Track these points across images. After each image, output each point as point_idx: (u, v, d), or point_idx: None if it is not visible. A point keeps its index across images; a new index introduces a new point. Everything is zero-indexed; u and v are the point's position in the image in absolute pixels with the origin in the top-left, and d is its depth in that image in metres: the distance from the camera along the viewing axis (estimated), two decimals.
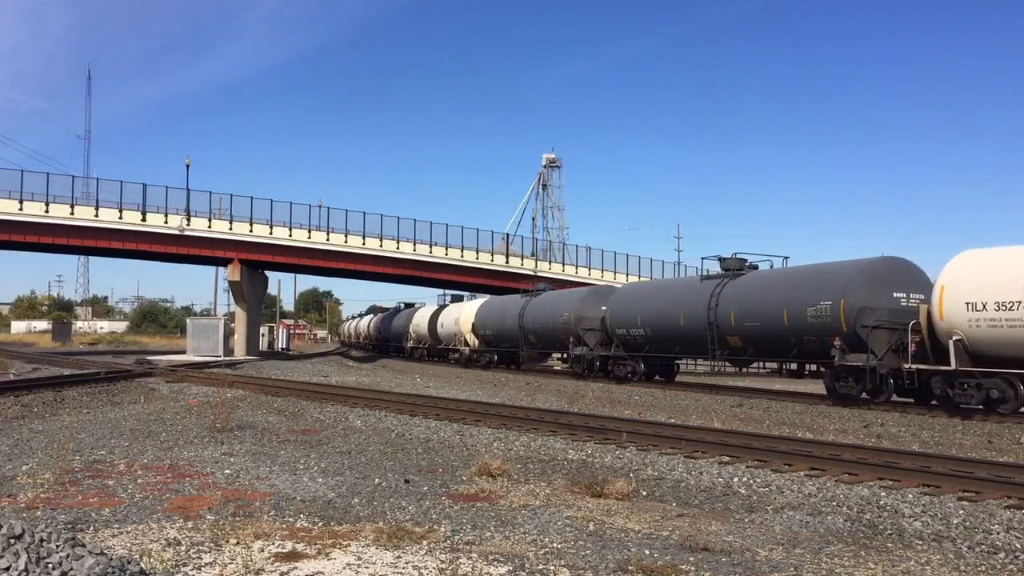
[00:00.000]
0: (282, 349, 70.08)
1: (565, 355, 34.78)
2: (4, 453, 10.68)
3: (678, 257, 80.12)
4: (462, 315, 43.08)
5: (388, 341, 62.25)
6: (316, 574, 5.57)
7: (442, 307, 49.85)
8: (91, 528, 6.74)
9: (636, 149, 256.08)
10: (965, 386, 17.14)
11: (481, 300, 45.29)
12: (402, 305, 65.83)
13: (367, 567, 5.73)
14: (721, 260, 25.76)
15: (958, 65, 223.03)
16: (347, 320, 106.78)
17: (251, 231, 49.17)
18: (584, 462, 10.86)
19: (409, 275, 54.86)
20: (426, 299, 63.91)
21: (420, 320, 51.91)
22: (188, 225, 47.86)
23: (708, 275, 26.65)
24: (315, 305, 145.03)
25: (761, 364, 27.38)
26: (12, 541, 4.46)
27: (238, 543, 6.27)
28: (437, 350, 48.02)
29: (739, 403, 19.94)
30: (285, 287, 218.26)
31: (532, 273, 54.59)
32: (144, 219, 47.40)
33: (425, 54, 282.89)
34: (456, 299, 51.34)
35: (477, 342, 41.33)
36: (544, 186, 77.79)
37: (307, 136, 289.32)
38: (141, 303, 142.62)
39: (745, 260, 25.47)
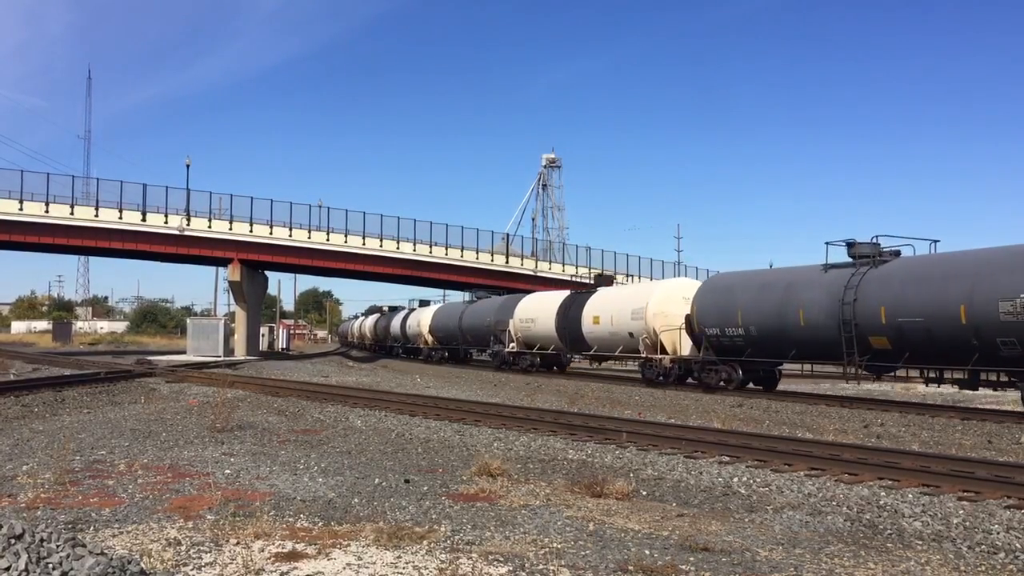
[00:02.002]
0: (282, 349, 70.12)
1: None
2: (4, 453, 10.69)
3: (678, 257, 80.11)
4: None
5: (387, 341, 62.55)
6: (316, 574, 5.57)
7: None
8: (91, 528, 6.75)
9: (636, 149, 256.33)
10: None
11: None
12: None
13: (367, 567, 5.74)
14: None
15: (958, 65, 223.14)
16: (347, 320, 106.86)
17: (251, 231, 49.18)
18: (584, 462, 10.86)
19: (409, 275, 54.89)
20: (430, 299, 64.05)
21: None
22: (188, 225, 47.86)
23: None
24: (315, 305, 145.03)
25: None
26: (12, 541, 4.46)
27: (238, 543, 6.28)
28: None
29: (739, 403, 19.93)
30: (285, 287, 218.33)
31: (532, 273, 54.65)
32: (144, 219, 47.42)
33: (425, 54, 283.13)
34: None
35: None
36: (544, 186, 77.90)
37: (307, 136, 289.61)
38: (141, 303, 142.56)
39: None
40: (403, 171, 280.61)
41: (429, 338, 49.59)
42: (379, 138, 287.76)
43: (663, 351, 26.66)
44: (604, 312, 30.31)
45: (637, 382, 27.76)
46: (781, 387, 25.03)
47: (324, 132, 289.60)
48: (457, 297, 58.09)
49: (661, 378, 26.62)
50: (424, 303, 58.45)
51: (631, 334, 28.26)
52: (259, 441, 12.34)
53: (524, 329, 36.47)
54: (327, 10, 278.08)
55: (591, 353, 32.32)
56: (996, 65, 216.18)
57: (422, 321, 50.84)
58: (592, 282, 36.87)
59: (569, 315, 32.54)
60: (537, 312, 35.63)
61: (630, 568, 5.81)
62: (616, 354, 30.81)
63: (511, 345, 37.30)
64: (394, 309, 64.86)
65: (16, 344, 68.70)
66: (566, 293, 35.16)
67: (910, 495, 8.63)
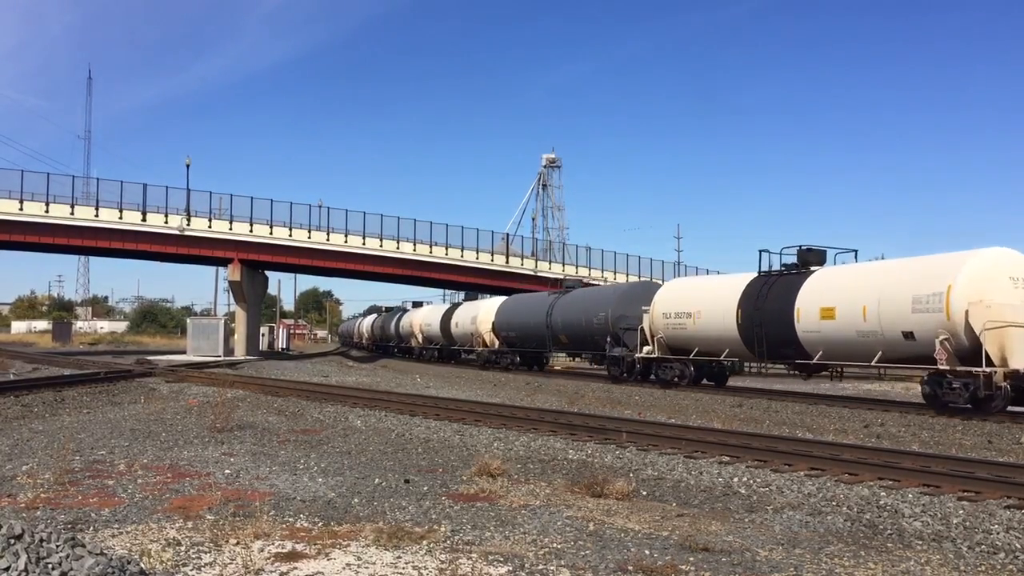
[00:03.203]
0: (282, 349, 70.13)
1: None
2: (4, 453, 10.69)
3: (678, 257, 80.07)
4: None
5: (386, 341, 62.79)
6: (316, 574, 5.57)
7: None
8: (91, 528, 6.75)
9: (636, 149, 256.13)
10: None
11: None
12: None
13: (367, 567, 5.74)
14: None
15: (959, 65, 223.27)
16: (347, 320, 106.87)
17: (251, 231, 49.21)
18: (584, 462, 10.86)
19: (409, 275, 54.93)
20: (429, 299, 64.86)
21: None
22: (188, 225, 47.88)
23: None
24: (315, 305, 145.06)
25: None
26: (12, 541, 4.46)
27: (238, 543, 6.27)
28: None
29: (739, 403, 19.93)
30: (285, 287, 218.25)
31: (532, 273, 54.67)
32: (144, 219, 47.44)
33: (425, 54, 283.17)
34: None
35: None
36: (544, 186, 77.94)
37: (307, 136, 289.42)
38: (141, 303, 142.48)
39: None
40: (403, 171, 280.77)
41: (489, 337, 41.08)
42: (379, 138, 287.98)
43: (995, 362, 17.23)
44: (842, 301, 20.25)
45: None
46: (780, 387, 25.18)
47: (324, 132, 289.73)
48: (457, 297, 58.06)
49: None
50: (418, 303, 60.21)
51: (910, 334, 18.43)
52: (259, 441, 12.34)
53: (674, 327, 26.07)
54: (327, 10, 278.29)
55: (816, 361, 21.13)
56: (996, 65, 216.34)
57: (479, 318, 42.62)
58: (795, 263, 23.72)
59: (766, 306, 22.53)
60: (700, 303, 25.40)
61: (630, 568, 5.81)
62: (873, 363, 19.72)
63: (645, 349, 27.10)
64: (391, 310, 65.32)
65: (16, 344, 68.70)
66: (751, 275, 24.27)
67: (910, 495, 8.63)
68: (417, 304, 59.93)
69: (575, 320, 31.93)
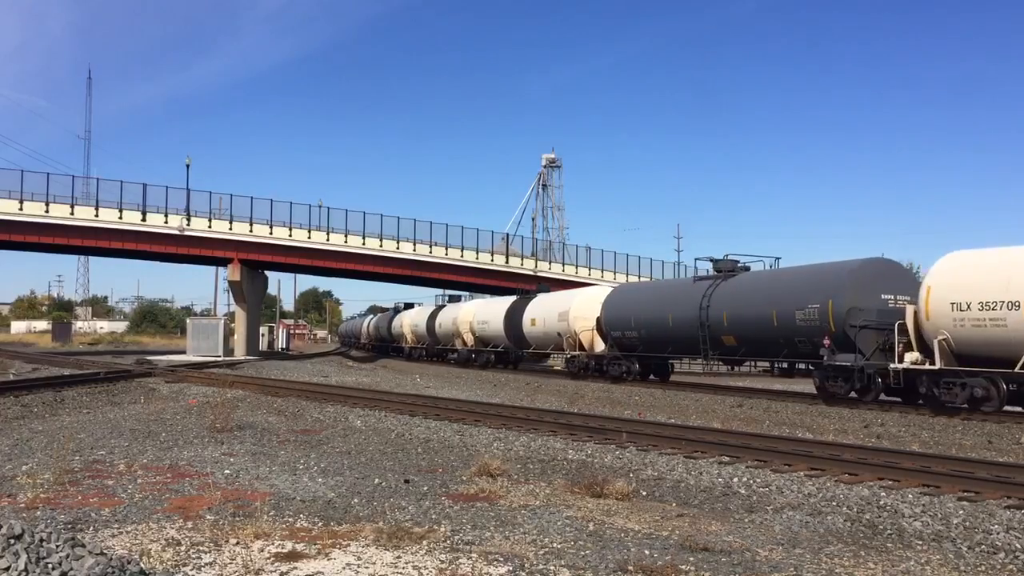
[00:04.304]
0: (282, 349, 70.11)
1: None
2: (4, 453, 10.68)
3: (678, 257, 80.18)
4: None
5: (384, 341, 63.09)
6: (316, 574, 5.57)
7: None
8: (91, 528, 6.74)
9: (636, 149, 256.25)
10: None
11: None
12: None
13: (367, 567, 5.73)
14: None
15: (959, 65, 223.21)
16: (347, 320, 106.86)
17: (251, 231, 49.17)
18: (584, 462, 10.85)
19: (409, 275, 54.90)
20: (429, 299, 65.31)
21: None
22: (188, 225, 47.86)
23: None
24: (315, 305, 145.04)
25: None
26: (12, 541, 4.45)
27: (238, 543, 6.27)
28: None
29: (739, 403, 19.93)
30: (285, 287, 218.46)
31: (532, 273, 54.61)
32: (144, 219, 47.41)
33: (425, 54, 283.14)
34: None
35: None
36: (544, 186, 77.89)
37: (307, 136, 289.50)
38: (141, 303, 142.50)
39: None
40: (403, 171, 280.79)
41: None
42: (379, 138, 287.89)
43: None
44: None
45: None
46: (780, 387, 25.33)
47: (324, 132, 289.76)
48: (459, 297, 58.19)
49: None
50: (409, 305, 61.98)
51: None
52: (259, 441, 12.33)
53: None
54: (327, 10, 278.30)
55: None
56: (997, 64, 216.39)
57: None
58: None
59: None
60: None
61: (630, 568, 5.81)
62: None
63: (908, 358, 29.18)
64: (392, 310, 65.62)
65: (16, 344, 68.72)
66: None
67: (910, 495, 8.63)
68: (408, 305, 61.15)
69: (755, 314, 22.69)
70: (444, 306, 50.11)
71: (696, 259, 29.89)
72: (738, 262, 25.63)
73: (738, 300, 23.42)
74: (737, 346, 23.53)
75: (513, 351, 39.06)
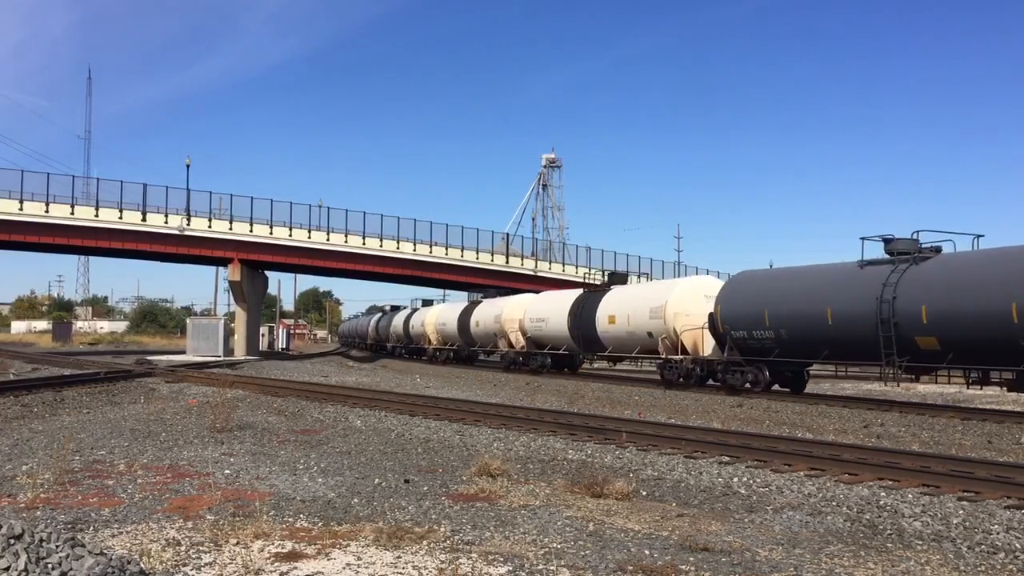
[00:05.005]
0: (282, 349, 70.10)
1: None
2: (4, 453, 10.68)
3: (678, 257, 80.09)
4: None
5: (389, 341, 62.75)
6: (316, 574, 5.57)
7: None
8: (91, 528, 6.75)
9: (636, 149, 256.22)
10: None
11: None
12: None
13: (367, 567, 5.73)
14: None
15: (958, 65, 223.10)
16: (347, 320, 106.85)
17: (251, 231, 49.16)
18: (584, 462, 10.85)
19: (409, 275, 54.91)
20: (432, 298, 64.60)
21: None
22: (188, 225, 47.83)
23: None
24: (315, 305, 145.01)
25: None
26: (12, 541, 4.45)
27: (238, 543, 6.27)
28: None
29: (739, 403, 19.92)
30: (285, 287, 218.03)
31: (532, 273, 54.65)
32: (144, 219, 47.39)
33: (425, 54, 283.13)
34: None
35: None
36: (544, 186, 77.96)
37: (307, 136, 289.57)
38: (141, 303, 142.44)
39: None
40: (403, 171, 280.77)
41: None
42: (379, 138, 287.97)
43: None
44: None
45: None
46: (776, 388, 24.51)
47: (324, 132, 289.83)
48: (458, 297, 58.18)
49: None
50: (427, 302, 59.88)
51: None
52: (259, 441, 12.33)
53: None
54: (327, 10, 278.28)
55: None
56: (998, 62, 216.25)
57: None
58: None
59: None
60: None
61: (630, 568, 5.81)
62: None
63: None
64: (396, 309, 65.16)
65: (16, 344, 68.69)
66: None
67: (910, 495, 8.63)
68: (427, 303, 58.60)
69: (978, 308, 17.17)
70: (480, 302, 44.83)
71: (862, 238, 20.62)
72: (917, 241, 19.73)
73: (947, 290, 17.72)
74: (940, 351, 17.82)
75: (578, 353, 33.94)
